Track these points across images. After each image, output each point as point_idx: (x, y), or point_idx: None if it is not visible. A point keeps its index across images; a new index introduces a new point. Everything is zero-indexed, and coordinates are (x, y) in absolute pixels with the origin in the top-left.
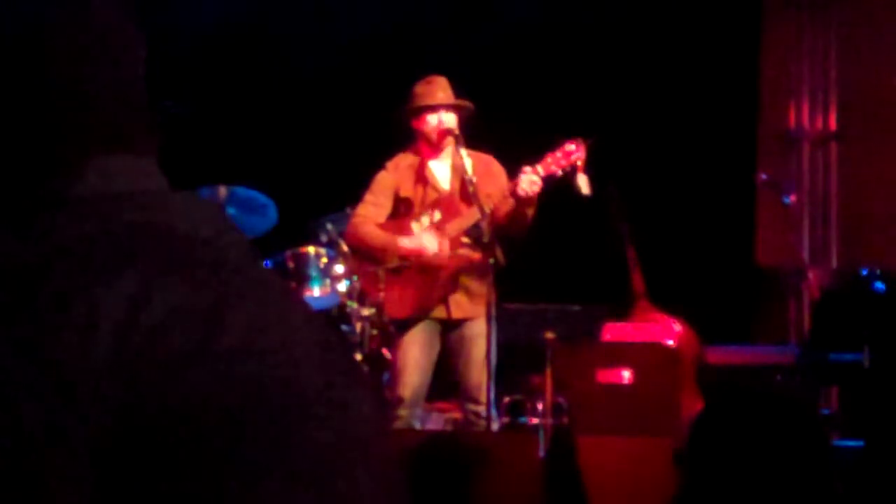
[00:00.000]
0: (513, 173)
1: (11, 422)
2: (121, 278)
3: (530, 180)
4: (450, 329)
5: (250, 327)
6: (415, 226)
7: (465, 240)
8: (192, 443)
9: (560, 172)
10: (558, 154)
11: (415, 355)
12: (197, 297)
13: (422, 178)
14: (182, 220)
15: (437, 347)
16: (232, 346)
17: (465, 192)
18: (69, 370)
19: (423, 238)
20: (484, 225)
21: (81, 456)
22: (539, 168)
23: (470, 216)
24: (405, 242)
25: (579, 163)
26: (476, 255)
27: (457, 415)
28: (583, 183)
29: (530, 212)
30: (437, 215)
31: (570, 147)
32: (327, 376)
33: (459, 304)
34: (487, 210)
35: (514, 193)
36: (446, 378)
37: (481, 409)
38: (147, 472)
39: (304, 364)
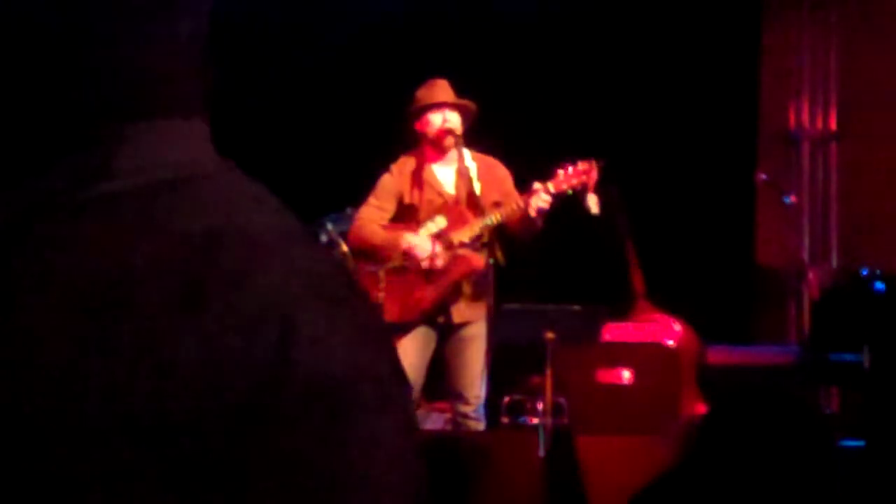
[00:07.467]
0: (518, 177)
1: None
2: (197, 313)
3: (543, 199)
4: (448, 332)
5: (321, 333)
6: (420, 231)
7: (465, 240)
8: (278, 448)
9: (570, 191)
10: (570, 172)
11: (411, 357)
12: (272, 309)
13: (426, 181)
14: (249, 221)
15: (432, 349)
16: (305, 357)
17: (472, 199)
18: (135, 411)
19: (423, 241)
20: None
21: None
22: (550, 186)
23: (476, 226)
24: (408, 237)
25: (590, 183)
26: (479, 263)
27: None
28: (592, 203)
29: (539, 223)
30: (443, 222)
31: (583, 166)
32: (380, 375)
33: (459, 310)
34: (493, 222)
35: (526, 212)
36: (444, 379)
37: (469, 409)
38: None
39: (363, 364)
